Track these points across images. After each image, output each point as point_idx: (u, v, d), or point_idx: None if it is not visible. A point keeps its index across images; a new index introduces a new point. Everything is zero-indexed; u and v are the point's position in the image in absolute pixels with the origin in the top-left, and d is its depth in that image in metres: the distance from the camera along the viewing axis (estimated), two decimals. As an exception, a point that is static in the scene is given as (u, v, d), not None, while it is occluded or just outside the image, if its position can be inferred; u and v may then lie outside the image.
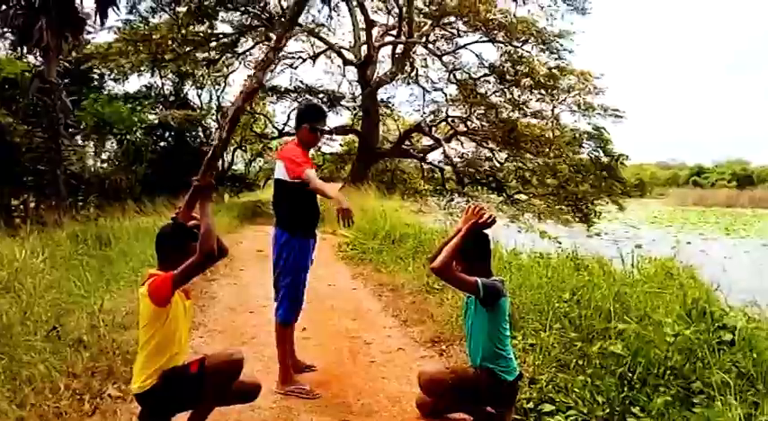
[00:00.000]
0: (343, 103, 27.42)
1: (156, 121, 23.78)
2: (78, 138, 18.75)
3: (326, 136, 29.25)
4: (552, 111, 23.96)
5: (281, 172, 4.10)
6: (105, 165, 20.12)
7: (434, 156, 27.17)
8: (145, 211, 16.13)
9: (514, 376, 3.25)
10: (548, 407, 3.42)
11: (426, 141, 27.74)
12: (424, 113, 26.06)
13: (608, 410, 3.26)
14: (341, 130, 28.70)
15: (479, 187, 26.18)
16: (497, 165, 25.59)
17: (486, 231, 3.32)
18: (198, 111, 26.50)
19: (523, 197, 24.79)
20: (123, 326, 5.06)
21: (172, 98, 26.77)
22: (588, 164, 23.97)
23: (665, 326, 3.87)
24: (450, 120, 25.64)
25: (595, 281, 5.44)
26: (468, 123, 25.23)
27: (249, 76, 3.34)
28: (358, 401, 3.77)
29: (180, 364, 3.02)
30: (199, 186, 3.18)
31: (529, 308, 5.16)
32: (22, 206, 15.25)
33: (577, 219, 23.00)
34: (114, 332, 4.89)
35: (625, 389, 3.39)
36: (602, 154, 23.85)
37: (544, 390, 3.57)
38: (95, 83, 21.72)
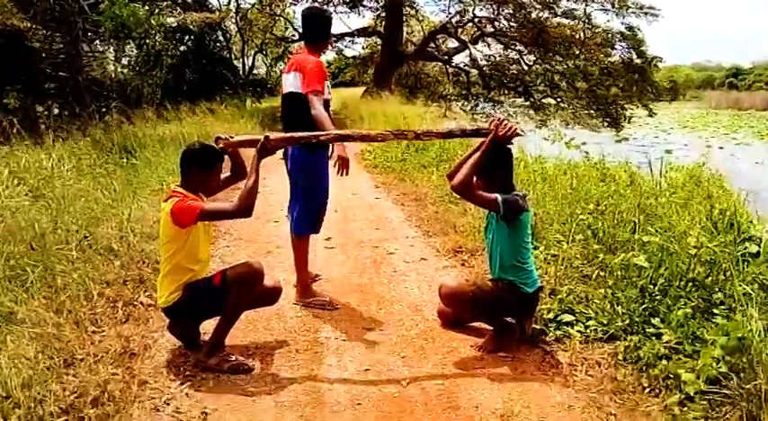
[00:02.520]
0: (365, 3, 26.39)
1: (175, 25, 23.28)
2: (98, 43, 18.47)
3: (348, 38, 28.52)
4: (584, 10, 22.81)
5: (295, 84, 3.76)
6: (126, 70, 19.91)
7: (460, 59, 26.44)
8: (167, 118, 16.14)
9: (535, 288, 3.27)
10: (567, 318, 3.46)
11: (452, 43, 26.88)
12: (450, 14, 24.97)
13: (628, 321, 3.29)
14: (363, 33, 27.91)
15: (506, 91, 25.58)
16: (525, 68, 24.80)
17: (508, 145, 3.24)
18: (217, 13, 25.79)
19: (551, 102, 24.19)
20: (151, 237, 5.15)
21: (190, 0, 26.05)
22: (619, 66, 23.13)
23: (689, 238, 3.84)
24: (476, 20, 24.60)
25: (621, 191, 5.39)
26: (496, 24, 24.23)
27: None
28: (380, 310, 3.86)
29: (202, 277, 3.09)
30: (267, 146, 3.18)
31: (552, 218, 5.14)
32: (46, 113, 15.26)
33: (606, 125, 22.48)
34: (143, 241, 5.01)
35: (646, 300, 3.41)
36: (634, 56, 22.95)
37: (564, 301, 3.59)
38: (111, -15, 21.07)
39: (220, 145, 3.17)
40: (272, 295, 3.35)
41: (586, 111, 22.97)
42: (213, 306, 3.07)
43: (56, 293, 3.88)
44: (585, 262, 4.18)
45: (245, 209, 2.98)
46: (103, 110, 15.28)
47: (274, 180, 8.53)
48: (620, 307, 3.44)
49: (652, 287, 3.50)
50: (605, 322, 3.36)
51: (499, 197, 3.08)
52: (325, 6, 23.73)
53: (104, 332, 3.46)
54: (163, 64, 19.81)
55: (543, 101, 24.15)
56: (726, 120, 30.63)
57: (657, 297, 3.43)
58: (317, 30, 3.96)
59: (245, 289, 3.04)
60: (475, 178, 3.16)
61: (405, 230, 5.95)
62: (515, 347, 3.27)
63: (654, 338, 3.11)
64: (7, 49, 13.14)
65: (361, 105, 18.55)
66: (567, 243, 4.48)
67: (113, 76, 18.45)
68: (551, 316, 3.49)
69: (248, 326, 3.54)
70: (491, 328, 3.37)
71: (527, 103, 24.14)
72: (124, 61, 20.41)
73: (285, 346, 3.33)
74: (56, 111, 15.32)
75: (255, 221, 6.26)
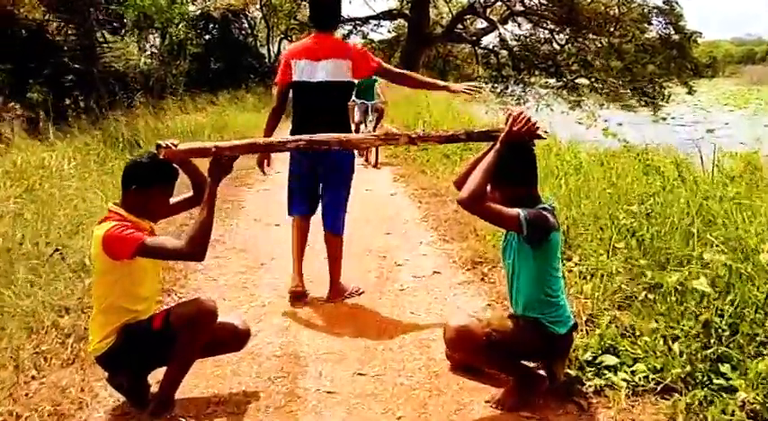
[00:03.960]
0: (390, -16, 25.56)
1: (198, 13, 22.84)
2: (124, 32, 18.07)
3: (373, 22, 27.72)
4: (619, -17, 21.69)
5: (337, 72, 3.56)
6: (150, 61, 19.51)
7: (489, 40, 25.58)
8: (187, 109, 15.72)
9: (567, 327, 2.54)
10: (610, 360, 2.73)
11: (480, 24, 25.97)
12: (478, -8, 24.05)
13: (688, 367, 2.56)
14: (388, 15, 27.11)
15: (537, 72, 24.63)
16: (557, 47, 23.78)
17: (532, 145, 2.52)
18: (240, 0, 25.28)
19: (585, 81, 23.12)
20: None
21: (213, -12, 25.56)
22: (656, 43, 22.00)
23: (762, 254, 3.04)
24: (505, -2, 23.66)
25: (669, 187, 4.56)
26: (526, 2, 23.24)
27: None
28: (378, 346, 3.15)
29: (144, 318, 2.46)
30: (221, 160, 2.48)
31: (588, 221, 4.40)
32: (73, 105, 14.86)
33: (643, 104, 21.40)
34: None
35: (712, 339, 2.66)
36: (672, 31, 21.83)
37: (605, 336, 2.86)
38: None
39: (162, 155, 2.48)
40: (237, 339, 2.69)
41: (622, 91, 21.92)
42: (154, 355, 2.43)
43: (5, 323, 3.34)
44: (629, 279, 3.45)
45: (196, 251, 2.31)
46: (126, 101, 14.88)
47: (285, 176, 7.87)
48: (676, 345, 2.70)
49: (719, 320, 2.74)
50: (658, 367, 2.63)
51: (521, 213, 2.36)
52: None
53: (44, 378, 2.86)
54: (186, 53, 19.41)
55: (576, 81, 23.09)
56: (768, 96, 29.00)
57: (725, 333, 2.68)
58: (329, 13, 3.71)
59: (193, 332, 2.39)
60: (489, 188, 2.47)
61: (419, 234, 5.26)
62: (542, 402, 2.56)
63: (725, 394, 2.39)
64: (29, 43, 12.90)
65: (386, 90, 17.80)
66: (607, 254, 3.74)
67: (136, 67, 18.05)
68: (588, 356, 2.77)
69: (215, 370, 2.89)
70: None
71: (559, 84, 23.14)
72: (148, 52, 20.04)
73: (254, 401, 2.65)
74: (82, 102, 14.98)
75: (254, 225, 5.68)
